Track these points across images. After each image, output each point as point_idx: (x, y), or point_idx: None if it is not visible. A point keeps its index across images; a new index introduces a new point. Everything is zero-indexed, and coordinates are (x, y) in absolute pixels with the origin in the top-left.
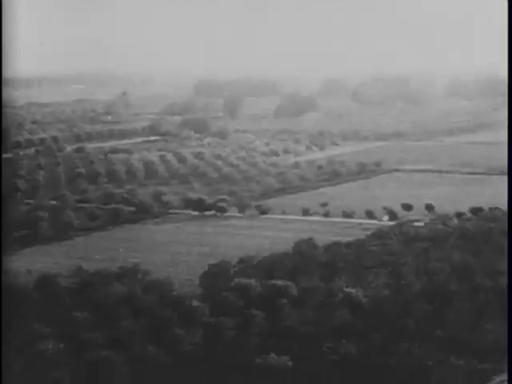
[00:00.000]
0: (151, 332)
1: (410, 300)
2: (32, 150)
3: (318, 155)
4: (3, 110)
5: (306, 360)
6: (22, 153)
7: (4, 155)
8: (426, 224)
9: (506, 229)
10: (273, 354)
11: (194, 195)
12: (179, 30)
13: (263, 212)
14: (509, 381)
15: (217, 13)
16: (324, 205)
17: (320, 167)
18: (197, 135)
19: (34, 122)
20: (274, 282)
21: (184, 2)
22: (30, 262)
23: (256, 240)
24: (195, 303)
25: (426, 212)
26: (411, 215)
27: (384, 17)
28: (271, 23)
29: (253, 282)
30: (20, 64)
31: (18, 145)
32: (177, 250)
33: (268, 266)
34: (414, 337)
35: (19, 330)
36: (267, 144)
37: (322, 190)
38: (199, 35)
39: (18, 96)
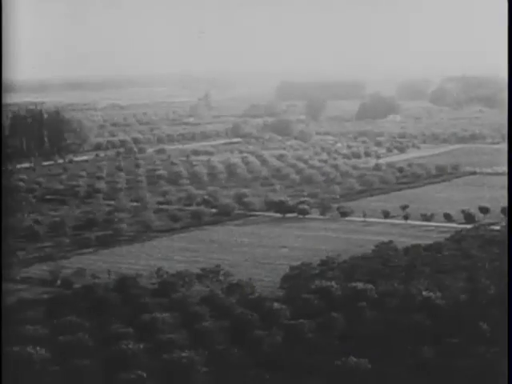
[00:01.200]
0: (232, 333)
1: (487, 304)
2: (113, 152)
3: (398, 157)
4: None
5: (384, 362)
6: (102, 154)
7: (85, 157)
8: (502, 227)
9: None
10: (352, 357)
11: (275, 197)
12: (262, 32)
13: (344, 214)
14: (509, 380)
15: (301, 15)
16: (404, 207)
17: (400, 170)
18: (279, 137)
19: (115, 124)
20: (354, 284)
21: (271, 4)
22: (110, 263)
23: (337, 242)
24: (276, 305)
25: (503, 215)
26: (488, 218)
27: (466, 18)
28: (353, 25)
29: (333, 284)
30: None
31: (98, 146)
32: (258, 252)
33: (348, 269)
34: (489, 341)
35: (99, 330)
36: (349, 146)
37: (402, 192)
38: (282, 37)
39: (100, 98)
